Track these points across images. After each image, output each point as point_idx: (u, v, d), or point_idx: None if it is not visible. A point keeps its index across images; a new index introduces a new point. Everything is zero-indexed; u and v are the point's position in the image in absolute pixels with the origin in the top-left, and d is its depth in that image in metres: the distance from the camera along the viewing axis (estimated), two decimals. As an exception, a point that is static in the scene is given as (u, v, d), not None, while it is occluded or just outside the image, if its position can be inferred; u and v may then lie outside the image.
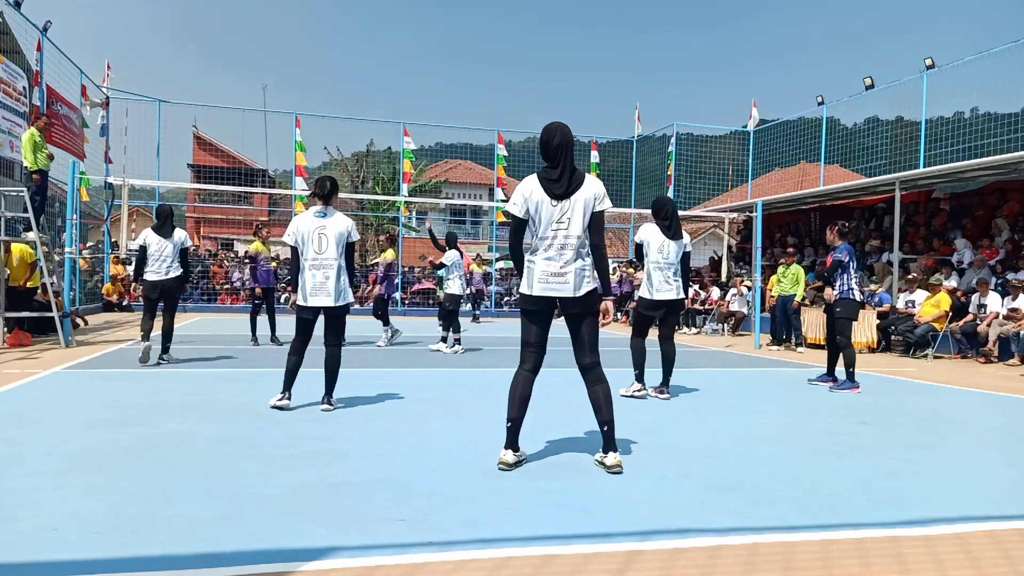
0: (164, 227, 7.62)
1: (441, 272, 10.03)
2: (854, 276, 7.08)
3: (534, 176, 3.74)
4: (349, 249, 5.30)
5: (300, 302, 5.20)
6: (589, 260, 3.70)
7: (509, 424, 3.71)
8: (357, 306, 17.00)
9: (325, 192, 5.27)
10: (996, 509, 3.30)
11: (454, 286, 9.88)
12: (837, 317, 7.15)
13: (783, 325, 12.22)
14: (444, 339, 10.16)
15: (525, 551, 2.60)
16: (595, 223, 3.69)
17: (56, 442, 4.01)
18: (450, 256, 9.89)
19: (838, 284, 7.11)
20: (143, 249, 7.65)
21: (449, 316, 10.03)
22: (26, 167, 10.11)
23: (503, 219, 21.94)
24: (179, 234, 7.71)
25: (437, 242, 10.25)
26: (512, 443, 3.73)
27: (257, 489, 3.24)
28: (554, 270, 3.63)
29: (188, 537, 2.62)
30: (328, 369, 5.28)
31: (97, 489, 3.18)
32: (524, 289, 3.71)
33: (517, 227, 3.75)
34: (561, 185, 3.64)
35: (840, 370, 7.19)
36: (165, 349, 7.74)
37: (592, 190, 3.69)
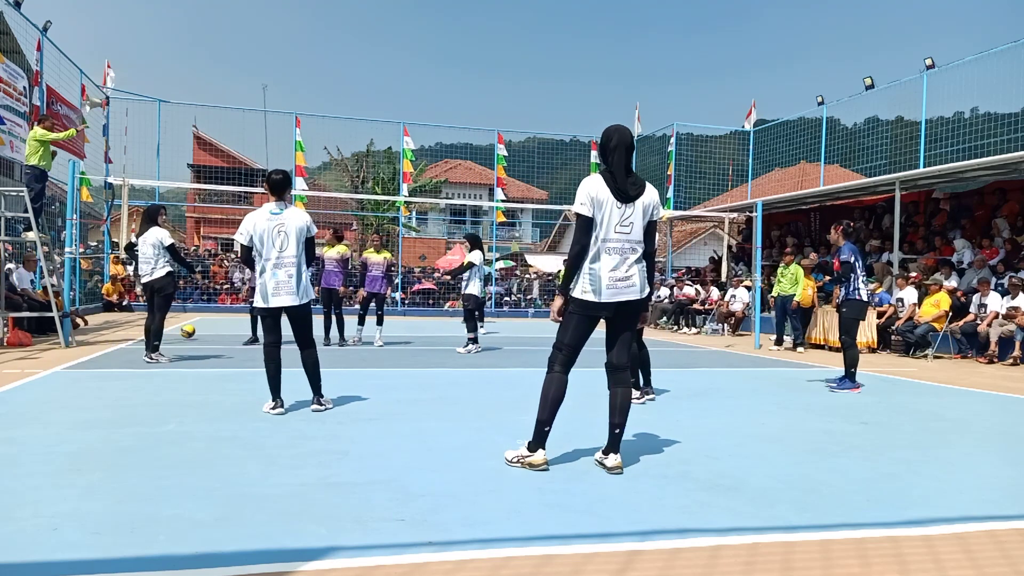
0: (141, 229, 7.84)
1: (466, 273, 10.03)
2: (861, 276, 7.06)
3: (598, 176, 3.64)
4: (309, 244, 5.17)
5: (259, 304, 5.05)
6: (644, 264, 3.71)
7: (547, 428, 3.69)
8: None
9: (280, 185, 5.07)
10: (996, 509, 3.30)
11: (473, 286, 9.89)
12: (844, 317, 7.14)
13: (782, 325, 12.20)
14: (474, 339, 10.10)
15: (525, 551, 2.60)
16: (650, 231, 3.71)
17: (56, 442, 4.01)
18: (475, 256, 9.88)
19: (852, 286, 7.06)
20: (132, 244, 8.11)
21: (468, 316, 10.07)
22: (28, 164, 10.08)
23: (503, 219, 21.97)
24: (152, 234, 7.71)
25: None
26: (543, 444, 3.72)
27: (257, 489, 3.24)
28: (620, 275, 3.59)
29: (188, 537, 2.62)
30: (308, 371, 5.22)
31: (97, 489, 3.18)
32: (587, 296, 3.59)
33: (587, 227, 3.59)
34: (627, 188, 3.61)
35: (840, 369, 7.18)
36: (154, 347, 7.72)
37: (652, 197, 3.71)
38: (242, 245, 5.10)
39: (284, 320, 5.16)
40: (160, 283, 7.70)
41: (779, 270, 12.35)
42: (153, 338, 7.72)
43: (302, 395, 5.63)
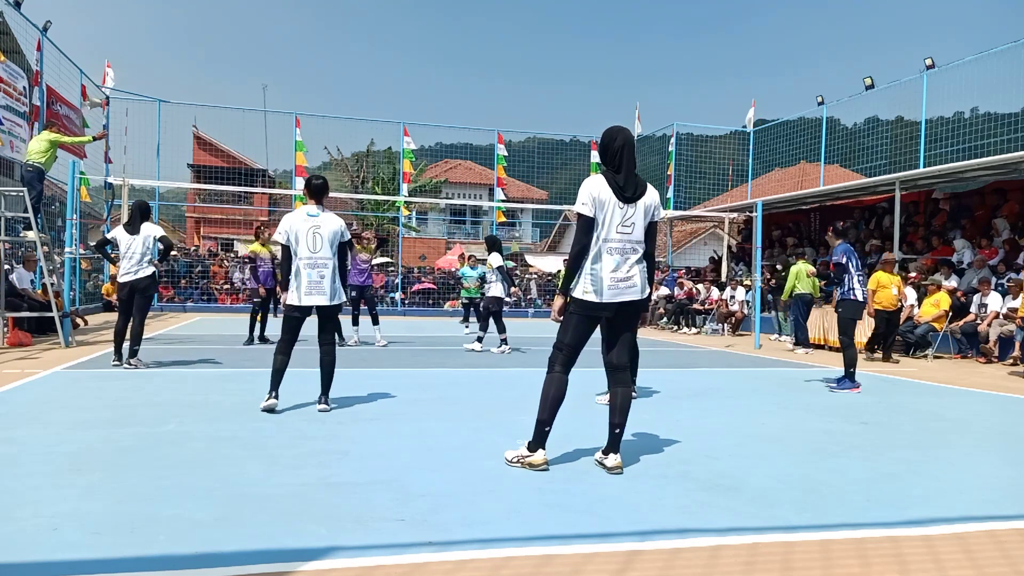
0: (132, 224, 7.29)
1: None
2: (856, 276, 7.07)
3: (600, 176, 3.65)
4: (342, 248, 5.32)
5: (292, 301, 5.14)
6: (644, 264, 3.72)
7: (547, 428, 3.69)
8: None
9: (319, 190, 5.28)
10: (996, 509, 3.30)
11: (496, 288, 9.94)
12: (840, 317, 7.16)
13: (800, 325, 12.04)
14: (480, 339, 10.15)
15: (525, 551, 2.60)
16: (651, 232, 3.73)
17: (56, 442, 4.01)
18: (495, 259, 9.93)
19: (847, 285, 7.06)
20: (106, 241, 7.59)
21: (492, 317, 10.14)
22: (32, 161, 10.06)
23: (503, 219, 21.97)
24: (147, 229, 7.26)
25: None
26: (543, 444, 3.72)
27: (257, 489, 3.24)
28: (622, 275, 3.60)
29: (188, 537, 2.62)
30: (324, 369, 5.25)
31: (97, 489, 3.18)
32: (589, 296, 3.59)
33: (588, 227, 3.60)
34: (629, 188, 3.62)
35: (840, 369, 7.17)
36: (133, 353, 7.22)
37: (653, 198, 3.72)
38: (282, 245, 5.22)
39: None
40: (144, 283, 7.23)
41: (796, 270, 12.11)
42: (133, 342, 7.22)
43: (303, 395, 5.63)
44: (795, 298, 11.90)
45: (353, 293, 10.45)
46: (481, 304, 10.53)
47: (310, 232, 5.14)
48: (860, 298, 7.07)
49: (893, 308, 10.23)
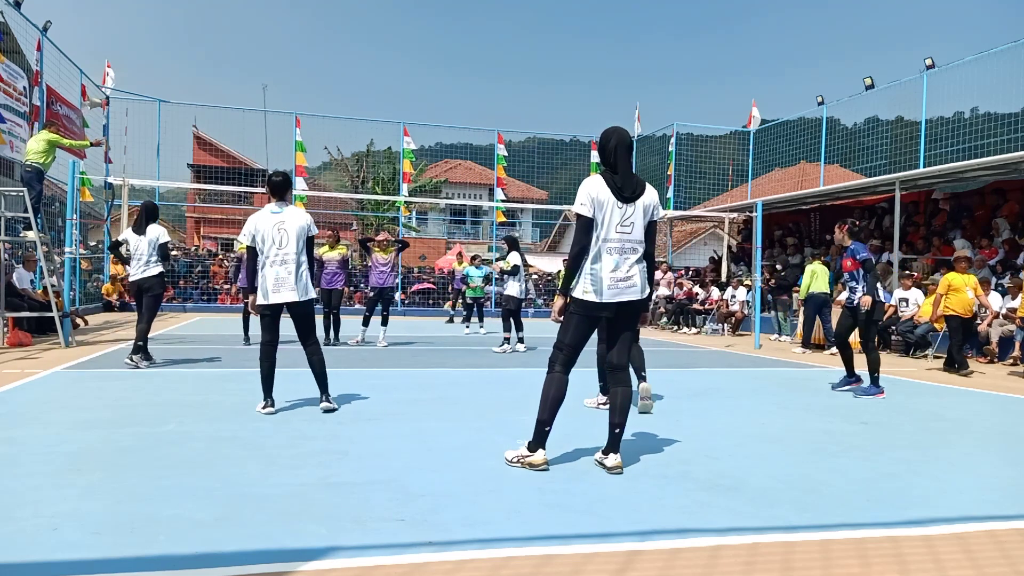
0: (139, 224, 7.39)
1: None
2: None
3: (598, 177, 3.66)
4: (309, 243, 5.22)
5: (261, 300, 5.06)
6: (644, 264, 3.72)
7: (547, 428, 3.70)
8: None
9: (280, 187, 5.16)
10: (996, 509, 3.30)
11: (513, 288, 9.95)
12: (862, 320, 6.80)
13: (810, 326, 11.85)
14: (521, 339, 10.23)
15: (525, 551, 2.60)
16: (650, 232, 3.73)
17: (56, 442, 4.01)
18: (513, 258, 9.93)
19: (861, 286, 6.73)
20: (119, 243, 7.63)
21: (507, 316, 10.19)
22: (31, 161, 10.05)
23: (503, 219, 21.96)
24: (153, 231, 7.35)
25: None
26: (543, 444, 3.72)
27: (257, 489, 3.24)
28: (621, 275, 3.61)
29: (188, 537, 2.62)
30: (315, 369, 5.21)
31: (97, 489, 3.18)
32: (589, 296, 3.60)
33: (587, 227, 3.61)
34: (627, 188, 3.63)
35: (864, 372, 6.87)
36: (135, 350, 7.25)
37: (652, 198, 3.73)
38: (248, 247, 5.14)
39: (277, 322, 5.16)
40: (150, 282, 7.29)
41: (812, 269, 11.94)
42: (137, 338, 7.28)
43: (301, 395, 5.63)
44: (809, 297, 11.72)
45: (371, 293, 10.46)
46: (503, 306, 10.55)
47: (275, 229, 5.04)
48: (881, 298, 6.87)
49: (968, 314, 8.79)
